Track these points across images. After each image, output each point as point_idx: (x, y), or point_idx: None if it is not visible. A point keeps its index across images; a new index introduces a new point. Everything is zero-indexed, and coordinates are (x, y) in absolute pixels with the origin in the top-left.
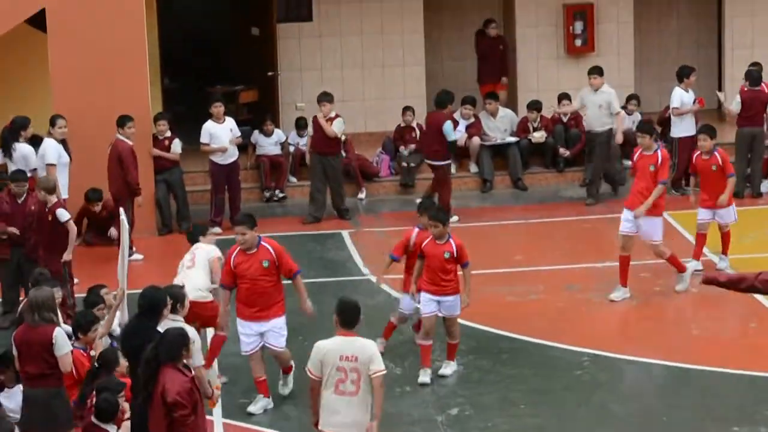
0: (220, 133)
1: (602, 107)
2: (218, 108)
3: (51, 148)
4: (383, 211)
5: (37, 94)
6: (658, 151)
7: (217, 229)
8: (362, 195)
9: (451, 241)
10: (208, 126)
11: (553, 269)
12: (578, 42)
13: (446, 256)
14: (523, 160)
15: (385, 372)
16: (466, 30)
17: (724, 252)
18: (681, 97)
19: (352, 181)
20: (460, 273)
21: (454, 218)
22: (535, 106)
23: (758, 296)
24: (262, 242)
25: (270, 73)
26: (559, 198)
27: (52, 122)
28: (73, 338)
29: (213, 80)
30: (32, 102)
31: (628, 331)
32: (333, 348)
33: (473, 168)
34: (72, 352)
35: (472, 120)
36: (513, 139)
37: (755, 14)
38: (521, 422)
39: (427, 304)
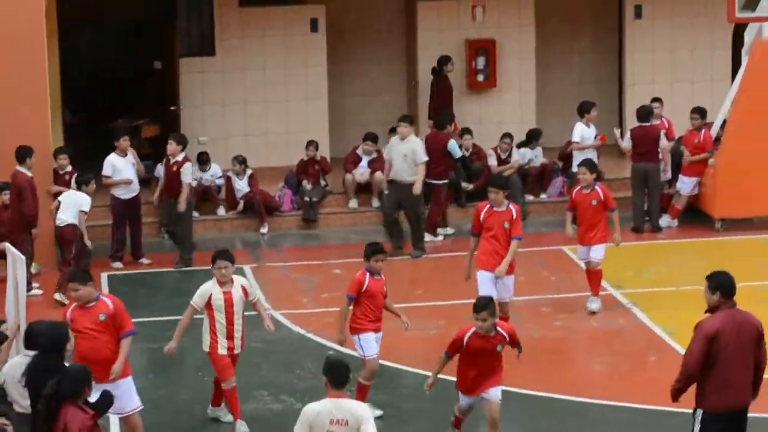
0: (123, 166)
1: (407, 157)
2: (124, 142)
3: None
4: (285, 245)
5: None
6: (511, 207)
7: (118, 264)
8: (264, 229)
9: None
10: (112, 159)
11: (455, 304)
12: (480, 77)
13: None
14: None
15: None
16: (369, 64)
17: (594, 292)
18: (582, 132)
19: (255, 216)
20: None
21: (450, 231)
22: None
23: (657, 330)
24: (101, 296)
25: (172, 108)
26: (461, 233)
27: None
28: None
29: (115, 115)
30: None
31: (530, 365)
32: (323, 411)
33: (375, 203)
34: None
35: (374, 155)
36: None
37: (655, 50)
38: None
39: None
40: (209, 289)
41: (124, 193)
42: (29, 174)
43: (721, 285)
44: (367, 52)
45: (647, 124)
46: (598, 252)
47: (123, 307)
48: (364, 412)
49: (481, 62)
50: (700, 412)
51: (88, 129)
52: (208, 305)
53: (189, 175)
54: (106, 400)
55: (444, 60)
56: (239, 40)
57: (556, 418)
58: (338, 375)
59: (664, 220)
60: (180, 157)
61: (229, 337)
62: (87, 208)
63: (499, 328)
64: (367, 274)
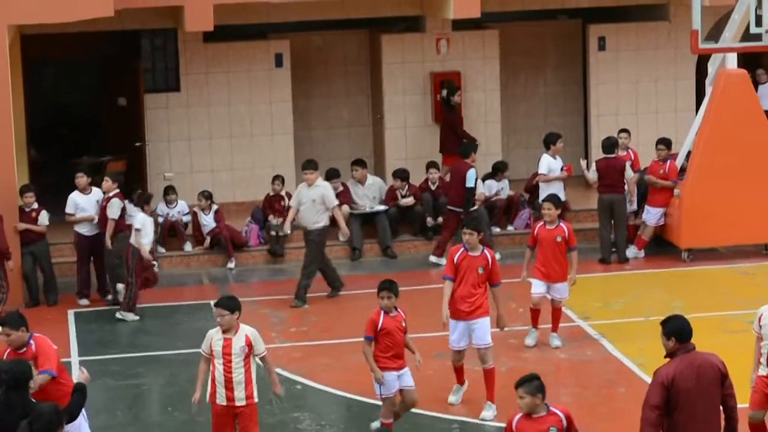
0: (86, 203)
1: (316, 202)
2: (81, 179)
3: None
4: (252, 280)
5: None
6: (486, 252)
7: (84, 301)
8: (232, 264)
9: (401, 312)
10: (73, 196)
11: (423, 336)
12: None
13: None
14: (392, 228)
15: None
16: (335, 98)
17: (555, 329)
18: (548, 163)
19: (222, 251)
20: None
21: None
22: (400, 174)
23: (626, 361)
24: (31, 339)
25: (138, 144)
26: (428, 265)
27: None
28: None
29: (81, 151)
30: None
31: (498, 397)
32: None
33: (342, 237)
34: None
35: (341, 189)
36: (382, 207)
37: (619, 81)
38: None
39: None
40: (212, 334)
41: (87, 230)
42: None
43: (675, 330)
44: (333, 85)
45: (612, 155)
46: (564, 290)
47: (47, 346)
48: None
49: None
50: None
51: (54, 166)
52: (212, 352)
53: (115, 210)
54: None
55: (452, 91)
56: (204, 76)
57: None
58: None
59: (631, 251)
60: (111, 194)
61: (228, 387)
62: (139, 226)
63: (554, 408)
64: (381, 312)
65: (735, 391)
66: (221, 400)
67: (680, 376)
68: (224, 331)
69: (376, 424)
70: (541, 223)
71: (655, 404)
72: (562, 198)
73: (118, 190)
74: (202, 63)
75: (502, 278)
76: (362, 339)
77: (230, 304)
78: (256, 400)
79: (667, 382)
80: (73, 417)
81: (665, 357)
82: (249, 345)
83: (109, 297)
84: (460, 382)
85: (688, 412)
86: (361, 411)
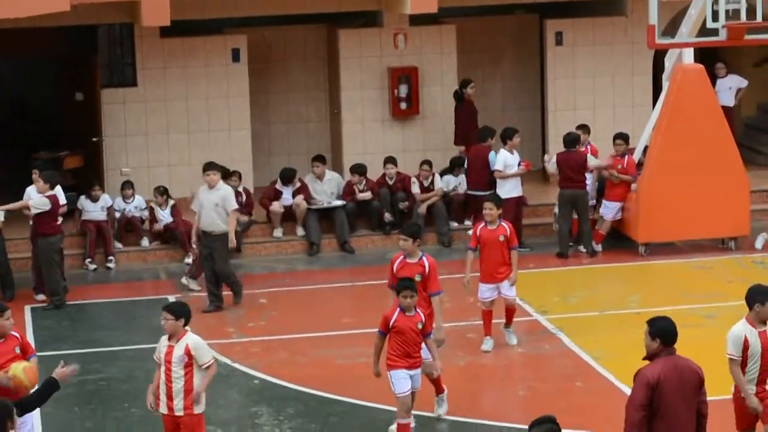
0: (40, 198)
1: (218, 206)
2: (35, 175)
3: None
4: None
5: None
6: (424, 259)
7: (41, 296)
8: (189, 260)
9: (420, 312)
10: (29, 191)
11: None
12: (403, 105)
13: (419, 327)
14: (350, 223)
15: None
16: (292, 93)
17: (509, 322)
18: (505, 158)
19: (179, 246)
20: None
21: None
22: (358, 169)
23: (583, 355)
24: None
25: (94, 139)
26: (386, 260)
27: None
28: None
29: (38, 146)
30: None
31: (455, 391)
32: None
33: (300, 231)
34: None
35: (297, 185)
36: (339, 202)
37: (576, 76)
38: None
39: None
40: (163, 340)
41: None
42: None
43: (662, 332)
44: (290, 80)
45: (573, 149)
46: (513, 289)
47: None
48: None
49: (403, 90)
50: None
51: (11, 161)
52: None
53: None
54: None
55: (465, 83)
56: (161, 71)
57: None
58: None
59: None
60: (47, 194)
61: (168, 396)
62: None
63: None
64: (398, 309)
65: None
66: (163, 408)
67: (665, 379)
68: (169, 338)
69: (392, 428)
70: (482, 224)
71: (641, 404)
72: (520, 193)
73: (51, 192)
74: (159, 58)
75: (461, 273)
76: (320, 334)
77: (176, 309)
78: (197, 411)
79: (653, 382)
80: (26, 409)
81: (644, 359)
82: (188, 354)
83: (41, 296)
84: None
85: (671, 415)
86: (319, 405)
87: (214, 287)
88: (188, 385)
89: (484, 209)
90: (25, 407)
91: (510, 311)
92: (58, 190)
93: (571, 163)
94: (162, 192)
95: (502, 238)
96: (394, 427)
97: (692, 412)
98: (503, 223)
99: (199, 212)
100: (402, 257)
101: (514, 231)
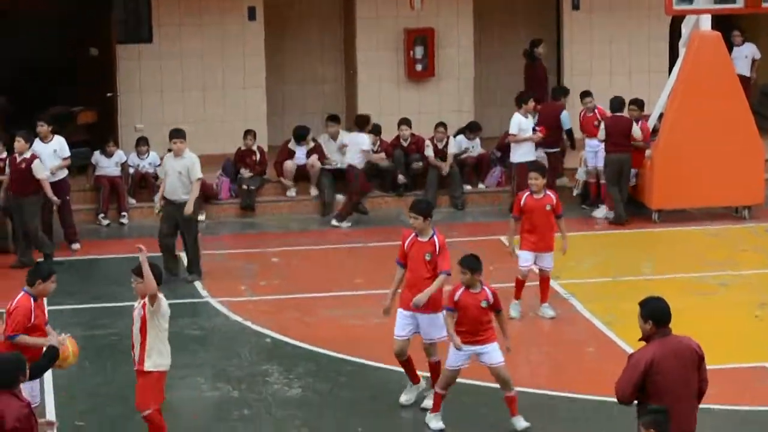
0: (44, 152)
1: (182, 174)
2: (41, 128)
3: None
4: (223, 233)
5: None
6: (435, 237)
7: None
8: (202, 217)
9: (486, 289)
10: (35, 146)
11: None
12: (419, 67)
13: (483, 305)
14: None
15: None
16: (308, 53)
17: (544, 299)
18: (519, 122)
19: None
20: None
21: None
22: (373, 130)
23: (595, 321)
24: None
25: (109, 95)
26: (399, 222)
27: None
28: None
29: (51, 102)
30: None
31: None
32: None
33: (313, 191)
34: None
35: (312, 145)
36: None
37: (593, 41)
38: None
39: (458, 357)
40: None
41: (48, 178)
42: None
43: (654, 313)
44: (306, 40)
45: (620, 114)
46: (551, 260)
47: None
48: None
49: (419, 51)
50: None
51: (26, 116)
52: None
53: (41, 170)
54: (50, 355)
55: (536, 42)
56: (177, 27)
57: (488, 406)
58: None
59: (601, 211)
60: (28, 154)
61: (133, 348)
62: (367, 147)
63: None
64: (462, 286)
65: (708, 376)
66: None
67: (659, 361)
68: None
69: (428, 402)
70: (527, 192)
71: (627, 386)
72: (533, 158)
73: (32, 152)
74: (175, 14)
75: (473, 236)
76: (332, 294)
77: (139, 270)
78: (148, 369)
79: (645, 365)
80: (34, 376)
81: (640, 340)
82: (143, 312)
83: (23, 259)
84: (415, 381)
85: (667, 397)
86: (330, 365)
87: (172, 258)
88: (142, 342)
89: (530, 179)
90: (31, 375)
91: (546, 284)
92: (62, 143)
93: (619, 128)
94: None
95: (548, 207)
96: (429, 401)
97: (692, 391)
98: (549, 192)
99: (164, 179)
100: (413, 235)
101: (559, 199)
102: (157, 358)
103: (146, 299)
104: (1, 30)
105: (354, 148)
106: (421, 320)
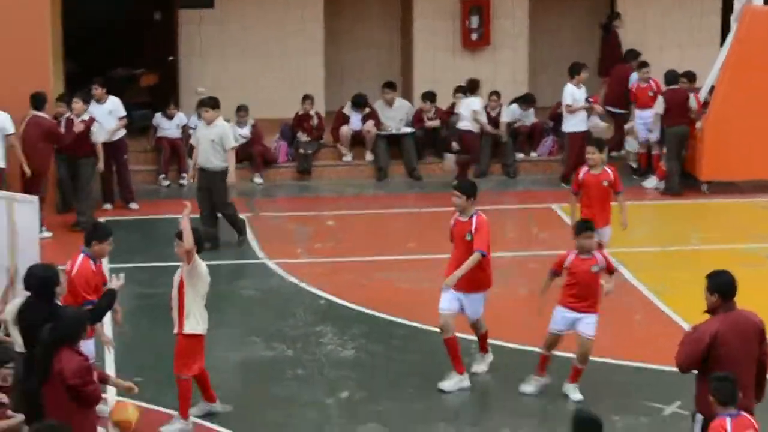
0: (99, 113)
1: (215, 142)
2: (96, 90)
3: None
4: (280, 196)
5: None
6: (474, 218)
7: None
8: (260, 179)
9: (597, 255)
10: (90, 108)
11: (446, 257)
12: (474, 36)
13: (594, 269)
14: (418, 150)
15: None
16: (366, 21)
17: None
18: (572, 93)
19: (250, 166)
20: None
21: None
22: (429, 97)
23: (643, 289)
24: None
25: (170, 58)
26: (451, 188)
27: None
28: None
29: (115, 63)
30: None
31: (515, 320)
32: None
33: (369, 157)
34: None
35: (367, 111)
36: (408, 129)
37: (646, 14)
38: (409, 407)
39: (559, 319)
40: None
41: (107, 138)
42: (49, 118)
43: (721, 286)
44: (364, 8)
45: (676, 86)
46: (608, 234)
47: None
48: None
49: (474, 21)
50: (700, 417)
51: (89, 77)
52: None
53: (100, 135)
54: (109, 297)
55: (614, 16)
56: None
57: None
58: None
59: (651, 182)
60: (86, 116)
61: (171, 312)
62: (478, 107)
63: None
64: (574, 252)
65: None
66: None
67: (723, 334)
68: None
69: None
70: (586, 168)
71: (689, 359)
72: (585, 128)
73: (89, 114)
74: None
75: (525, 204)
76: (386, 257)
77: (180, 234)
78: (186, 332)
79: (708, 338)
80: (95, 319)
81: (705, 312)
82: (181, 281)
83: (81, 218)
84: (484, 350)
85: (732, 371)
86: (383, 328)
87: (211, 226)
88: (180, 308)
89: (587, 153)
90: (95, 317)
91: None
92: (117, 103)
93: (678, 100)
94: (241, 109)
95: (606, 183)
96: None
97: (754, 365)
98: (607, 168)
99: (197, 148)
100: (457, 214)
101: (618, 176)
102: (194, 322)
103: (182, 275)
104: None
105: (467, 113)
106: (464, 300)
